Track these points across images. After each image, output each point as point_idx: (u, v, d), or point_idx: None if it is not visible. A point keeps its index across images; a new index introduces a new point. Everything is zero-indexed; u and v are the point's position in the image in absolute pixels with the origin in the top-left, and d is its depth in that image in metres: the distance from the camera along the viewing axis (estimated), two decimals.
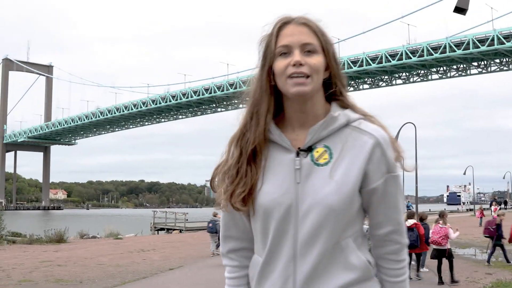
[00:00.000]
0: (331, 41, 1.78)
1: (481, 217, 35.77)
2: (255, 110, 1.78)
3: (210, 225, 18.91)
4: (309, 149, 1.74)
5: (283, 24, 1.75)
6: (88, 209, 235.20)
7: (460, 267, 14.00)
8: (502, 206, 42.13)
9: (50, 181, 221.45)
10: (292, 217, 1.71)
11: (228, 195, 1.76)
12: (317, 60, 1.71)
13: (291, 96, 1.71)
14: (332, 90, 1.79)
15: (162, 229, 43.90)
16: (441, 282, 11.64)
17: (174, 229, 42.23)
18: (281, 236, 1.73)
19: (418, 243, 12.10)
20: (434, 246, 12.11)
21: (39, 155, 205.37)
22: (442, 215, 12.73)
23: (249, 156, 1.77)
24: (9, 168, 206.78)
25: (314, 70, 1.69)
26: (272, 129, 1.77)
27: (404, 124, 30.81)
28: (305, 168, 1.72)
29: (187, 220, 42.53)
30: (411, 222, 12.41)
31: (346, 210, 1.69)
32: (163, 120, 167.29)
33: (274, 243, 1.74)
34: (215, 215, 18.75)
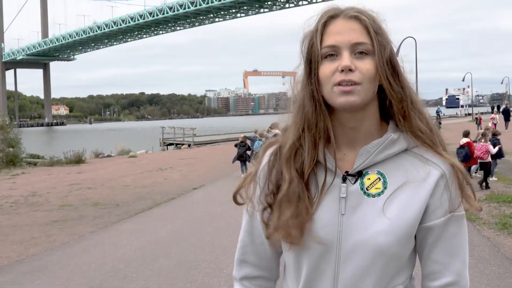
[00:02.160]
0: (388, 40, 1.45)
1: (479, 124, 37.08)
2: (307, 125, 1.49)
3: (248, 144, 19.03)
4: (359, 174, 1.48)
5: (330, 18, 1.45)
6: (91, 123, 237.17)
7: None
8: (495, 110, 43.04)
9: (51, 97, 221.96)
10: (333, 255, 1.47)
11: (299, 226, 1.47)
12: (371, 64, 1.41)
13: (338, 107, 1.43)
14: (389, 106, 1.49)
15: (171, 144, 45.45)
16: (487, 187, 13.87)
17: (183, 144, 43.77)
18: (318, 276, 1.50)
19: (467, 159, 14.49)
20: (479, 160, 14.43)
21: (39, 72, 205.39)
22: (484, 134, 14.99)
23: (307, 180, 1.50)
24: (9, 86, 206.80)
25: (367, 77, 1.40)
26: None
27: (404, 39, 31.56)
28: (352, 197, 1.47)
29: (195, 135, 43.94)
30: (464, 140, 14.88)
31: (399, 253, 1.45)
32: (161, 32, 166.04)
33: (308, 284, 1.52)
34: (258, 132, 18.74)
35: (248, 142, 19.15)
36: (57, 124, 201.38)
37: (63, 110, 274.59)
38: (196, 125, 51.51)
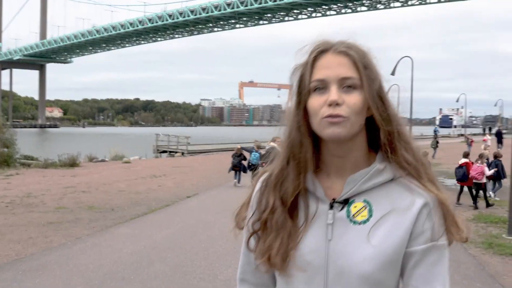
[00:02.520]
0: (377, 74, 1.49)
1: (469, 145, 37.51)
2: (292, 155, 1.54)
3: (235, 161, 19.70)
4: (346, 202, 1.52)
5: (320, 52, 1.49)
6: (84, 127, 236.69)
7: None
8: (487, 131, 43.51)
9: (46, 99, 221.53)
10: (321, 280, 1.50)
11: (280, 255, 1.52)
12: (357, 98, 1.44)
13: (325, 139, 1.47)
14: (379, 137, 1.52)
15: (164, 151, 45.60)
16: (476, 207, 14.78)
17: (177, 152, 43.94)
18: None
19: (465, 178, 15.38)
20: (474, 180, 15.17)
21: (35, 73, 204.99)
22: (481, 156, 15.81)
23: (290, 208, 1.54)
24: (4, 85, 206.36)
25: (353, 111, 1.43)
26: (307, 174, 1.55)
27: (401, 58, 31.96)
28: (339, 224, 1.51)
29: (189, 143, 44.14)
30: (462, 161, 15.78)
31: (384, 281, 1.48)
32: (159, 39, 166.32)
33: None
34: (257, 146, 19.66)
35: (244, 153, 19.48)
36: (50, 126, 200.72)
37: (57, 113, 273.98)
38: (189, 134, 51.70)
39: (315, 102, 1.45)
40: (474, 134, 68.42)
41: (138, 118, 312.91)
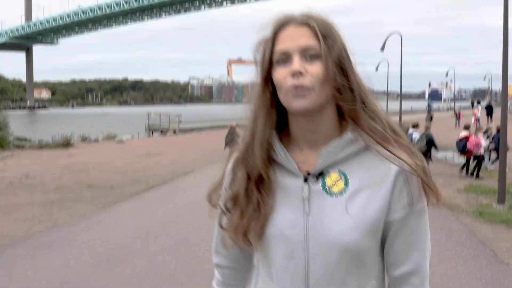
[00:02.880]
0: (339, 43, 1.47)
1: (458, 119, 38.12)
2: (255, 128, 1.54)
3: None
4: (320, 175, 1.52)
5: (281, 25, 1.49)
6: (73, 108, 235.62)
7: (438, 171, 16.12)
8: (476, 105, 43.92)
9: (34, 81, 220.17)
10: (301, 255, 1.50)
11: (241, 231, 1.54)
12: (320, 67, 1.43)
13: (293, 111, 1.48)
14: (343, 106, 1.50)
15: (156, 130, 45.89)
16: (477, 176, 15.68)
17: (168, 130, 44.22)
18: (288, 276, 1.53)
19: (465, 150, 16.13)
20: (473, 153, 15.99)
21: (21, 55, 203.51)
22: (477, 129, 17.00)
23: (257, 182, 1.54)
24: None
25: (317, 80, 1.42)
26: (277, 149, 1.53)
27: (390, 35, 32.17)
28: (315, 196, 1.50)
29: (180, 121, 44.39)
30: (463, 134, 16.53)
31: (366, 250, 1.49)
32: (146, 18, 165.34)
33: (279, 283, 1.54)
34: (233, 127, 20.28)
35: (238, 130, 19.78)
36: (39, 107, 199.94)
37: (45, 94, 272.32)
38: (179, 112, 51.92)
39: (279, 74, 1.45)
40: (463, 108, 68.94)
41: (127, 98, 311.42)
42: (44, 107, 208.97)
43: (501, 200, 11.05)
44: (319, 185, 1.50)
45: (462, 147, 16.23)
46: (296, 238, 1.48)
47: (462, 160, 17.49)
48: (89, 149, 28.25)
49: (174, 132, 43.06)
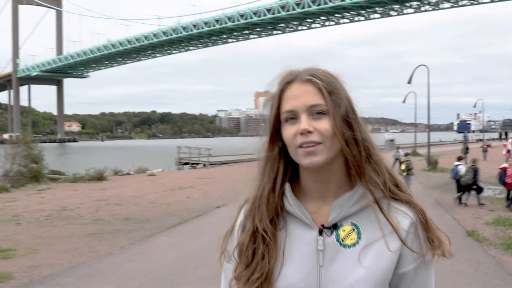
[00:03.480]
0: (344, 98, 1.51)
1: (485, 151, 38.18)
2: (265, 181, 1.58)
3: None
4: (334, 226, 1.54)
5: (287, 83, 1.54)
6: (102, 140, 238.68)
7: (471, 203, 16.42)
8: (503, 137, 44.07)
9: (64, 114, 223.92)
10: None
11: (244, 281, 1.55)
12: (328, 124, 1.47)
13: (304, 167, 1.53)
14: (350, 160, 1.52)
15: (186, 163, 46.55)
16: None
17: (198, 163, 44.84)
18: None
19: (503, 181, 16.20)
20: None
21: (52, 88, 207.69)
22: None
23: (264, 233, 1.55)
24: (23, 101, 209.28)
25: (326, 136, 1.47)
26: (291, 200, 1.56)
27: (417, 67, 32.59)
28: (329, 249, 1.52)
29: (210, 155, 44.99)
30: (504, 165, 16.82)
31: None
32: (174, 51, 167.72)
33: None
34: None
35: None
36: (69, 141, 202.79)
37: (75, 127, 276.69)
38: (207, 145, 52.64)
39: (287, 132, 1.49)
40: (493, 139, 68.49)
41: (155, 131, 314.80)
42: (74, 140, 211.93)
43: None
44: (333, 237, 1.51)
45: (499, 178, 16.32)
46: None
47: (489, 192, 17.79)
48: (122, 182, 28.89)
49: (204, 165, 43.65)
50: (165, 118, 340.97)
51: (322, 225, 1.52)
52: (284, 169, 1.57)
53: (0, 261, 9.70)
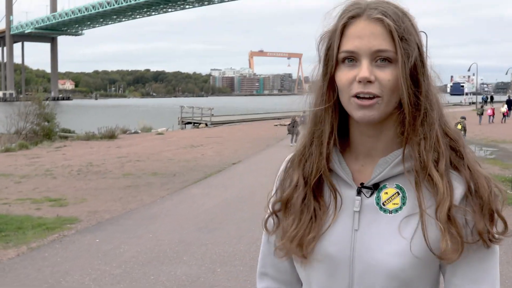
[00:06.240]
0: (415, 46, 1.27)
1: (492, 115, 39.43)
2: (316, 131, 1.38)
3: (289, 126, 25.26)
4: (375, 187, 1.35)
5: (351, 18, 1.29)
6: (96, 99, 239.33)
7: None
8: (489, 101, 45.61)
9: (57, 72, 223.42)
10: (346, 275, 1.34)
11: (297, 239, 1.36)
12: (393, 75, 1.25)
13: (355, 120, 1.32)
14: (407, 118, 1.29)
15: (189, 122, 48.13)
16: None
17: (200, 123, 46.41)
18: None
19: None
20: None
21: (45, 46, 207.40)
22: None
23: (313, 189, 1.39)
24: (16, 58, 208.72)
25: (387, 89, 1.26)
26: (332, 155, 1.38)
27: None
28: (367, 212, 1.34)
29: (212, 115, 46.49)
30: None
31: (417, 280, 1.30)
32: (170, 10, 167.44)
33: None
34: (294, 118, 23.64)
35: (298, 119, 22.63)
36: (63, 99, 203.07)
37: (69, 85, 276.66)
38: (201, 104, 53.94)
39: (343, 76, 1.30)
40: (473, 103, 69.87)
41: (149, 89, 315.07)
42: (68, 98, 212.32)
43: None
44: (373, 199, 1.35)
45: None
46: (341, 256, 1.34)
47: (482, 152, 19.09)
48: (133, 140, 30.39)
49: (206, 125, 45.15)
50: (159, 77, 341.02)
51: (361, 184, 1.36)
52: (338, 120, 1.38)
53: (58, 208, 11.15)
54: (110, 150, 24.71)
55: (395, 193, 1.34)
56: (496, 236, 1.28)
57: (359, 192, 1.36)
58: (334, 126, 1.37)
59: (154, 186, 13.90)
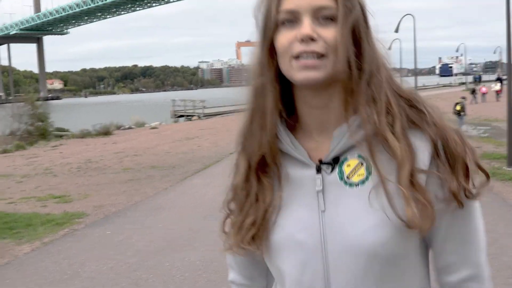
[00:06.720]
0: (357, 4, 1.17)
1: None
2: (256, 106, 1.25)
3: None
4: (336, 161, 1.22)
5: None
6: (86, 97, 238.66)
7: None
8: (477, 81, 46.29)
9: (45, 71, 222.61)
10: (319, 263, 1.21)
11: (236, 228, 1.30)
12: (337, 32, 1.14)
13: (298, 84, 1.20)
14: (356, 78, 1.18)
15: (181, 115, 48.31)
16: None
17: (193, 116, 46.60)
18: None
19: None
20: None
21: (32, 47, 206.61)
22: None
23: (257, 171, 1.27)
24: (3, 61, 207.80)
25: (332, 47, 1.14)
26: (281, 134, 1.25)
27: (404, 16, 34.10)
28: (330, 189, 1.22)
29: (204, 107, 46.66)
30: None
31: (401, 253, 1.19)
32: (154, 4, 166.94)
33: None
34: None
35: None
36: (52, 99, 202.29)
37: (57, 84, 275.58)
38: (191, 97, 54.00)
39: (283, 38, 1.18)
40: (463, 83, 70.32)
41: (138, 85, 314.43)
42: (58, 98, 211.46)
43: (510, 163, 13.10)
44: (335, 174, 1.23)
45: None
46: (311, 242, 1.22)
47: (475, 131, 19.47)
48: (128, 136, 30.52)
49: (199, 117, 45.32)
50: (147, 72, 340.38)
51: (320, 161, 1.24)
52: (281, 97, 1.25)
53: (64, 205, 11.33)
54: (107, 146, 24.85)
55: (358, 164, 1.22)
56: (474, 191, 1.20)
57: (318, 170, 1.25)
58: (277, 98, 1.24)
59: (155, 179, 14.09)
